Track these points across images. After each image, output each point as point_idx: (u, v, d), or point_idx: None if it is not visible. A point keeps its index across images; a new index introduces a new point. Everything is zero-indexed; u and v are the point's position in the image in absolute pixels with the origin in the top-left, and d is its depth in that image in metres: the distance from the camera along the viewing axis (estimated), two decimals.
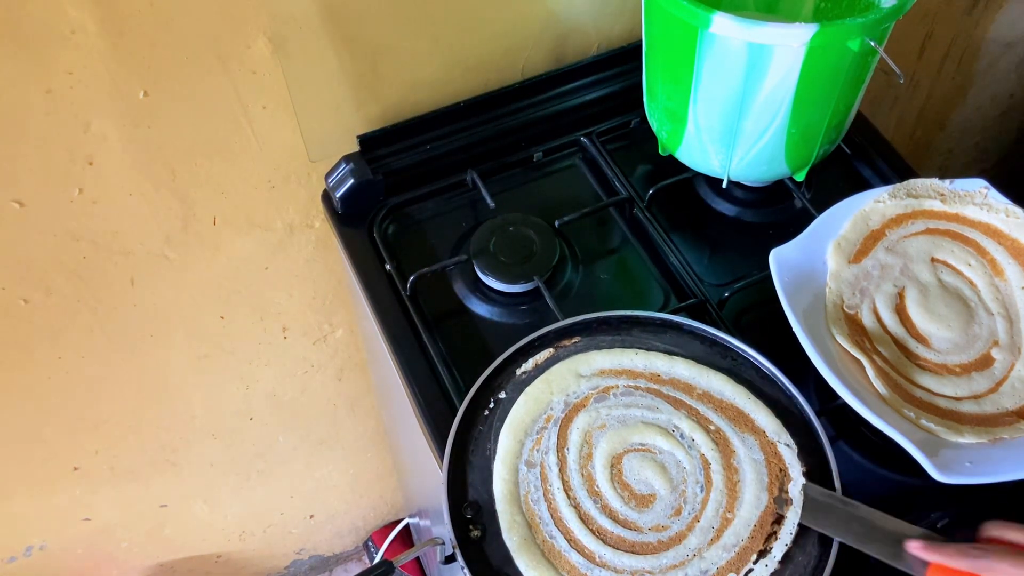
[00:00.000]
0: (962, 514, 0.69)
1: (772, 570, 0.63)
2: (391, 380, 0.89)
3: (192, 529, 1.41)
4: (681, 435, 0.69)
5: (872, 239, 0.81)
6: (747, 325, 0.84)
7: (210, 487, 1.35)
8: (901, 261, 0.79)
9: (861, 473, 0.74)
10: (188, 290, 1.04)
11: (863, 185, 0.94)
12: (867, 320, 0.76)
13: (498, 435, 0.70)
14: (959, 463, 0.67)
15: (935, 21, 1.34)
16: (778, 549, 0.63)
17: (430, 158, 0.94)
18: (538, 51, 0.99)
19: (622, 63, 1.00)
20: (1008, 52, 1.49)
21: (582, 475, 0.68)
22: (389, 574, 0.67)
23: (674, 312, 0.78)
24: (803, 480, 0.66)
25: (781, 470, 0.67)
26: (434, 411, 0.78)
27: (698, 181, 0.95)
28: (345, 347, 1.24)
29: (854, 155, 0.97)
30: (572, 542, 0.65)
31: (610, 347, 0.74)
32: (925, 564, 0.60)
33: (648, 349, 0.74)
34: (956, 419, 0.71)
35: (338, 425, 1.37)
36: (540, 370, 0.73)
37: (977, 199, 0.83)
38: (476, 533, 0.65)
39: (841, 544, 0.63)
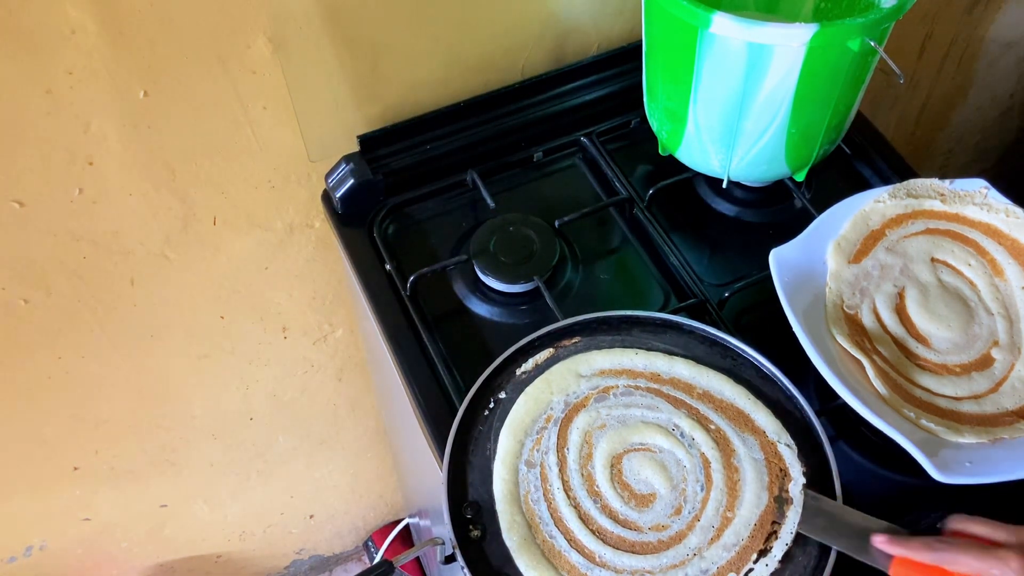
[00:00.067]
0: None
1: (772, 569, 0.63)
2: (391, 380, 0.89)
3: (192, 529, 1.41)
4: (681, 434, 0.69)
5: (872, 239, 0.81)
6: (747, 325, 0.84)
7: (210, 487, 1.35)
8: (901, 261, 0.79)
9: (861, 473, 0.74)
10: (188, 290, 1.04)
11: (863, 185, 0.94)
12: (867, 320, 0.76)
13: (498, 435, 0.70)
14: (959, 463, 0.67)
15: (935, 21, 1.34)
16: (778, 548, 0.63)
17: (430, 158, 0.94)
18: (538, 51, 0.99)
19: (622, 63, 1.00)
20: (1008, 52, 1.50)
21: (582, 475, 0.68)
22: (389, 574, 0.67)
23: (674, 312, 0.78)
24: (803, 480, 0.66)
25: (781, 470, 0.67)
26: (434, 411, 0.78)
27: (698, 181, 0.95)
28: (345, 347, 1.24)
29: (854, 155, 0.97)
30: (572, 542, 0.65)
31: (610, 347, 0.74)
32: (890, 557, 0.61)
33: (648, 349, 0.74)
34: (956, 419, 0.71)
35: (338, 425, 1.37)
36: (540, 370, 0.73)
37: (977, 199, 0.83)
38: (476, 533, 0.65)
39: None
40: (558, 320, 0.77)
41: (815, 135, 0.84)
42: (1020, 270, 0.79)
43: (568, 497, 0.67)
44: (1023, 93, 1.62)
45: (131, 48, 0.80)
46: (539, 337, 0.75)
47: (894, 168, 0.94)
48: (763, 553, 0.63)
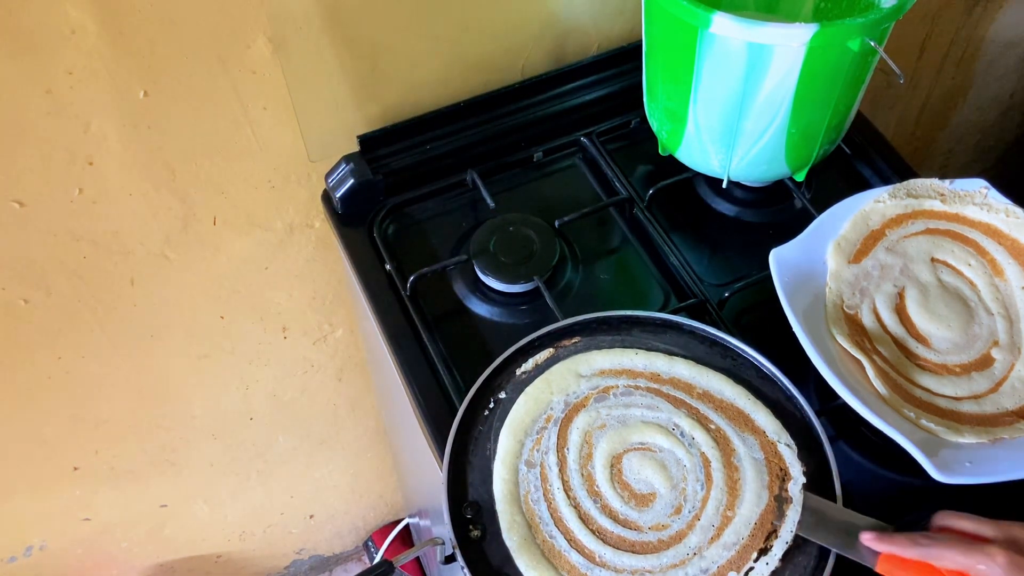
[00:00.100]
0: None
1: (773, 568, 0.63)
2: (391, 380, 0.89)
3: (192, 529, 1.41)
4: (681, 433, 0.69)
5: (872, 239, 0.81)
6: (747, 325, 0.84)
7: (210, 487, 1.35)
8: (901, 261, 0.79)
9: (861, 473, 0.74)
10: (188, 290, 1.04)
11: (863, 185, 0.94)
12: (867, 320, 0.76)
13: (498, 435, 0.70)
14: (959, 463, 0.67)
15: (935, 21, 1.34)
16: (779, 547, 0.63)
17: (430, 158, 0.94)
18: (538, 51, 0.99)
19: (622, 63, 1.00)
20: (1008, 52, 1.50)
21: (582, 475, 0.68)
22: (389, 574, 0.67)
23: (674, 312, 0.78)
24: (803, 479, 0.66)
25: (781, 469, 0.67)
26: (434, 411, 0.78)
27: (698, 181, 0.95)
28: (345, 347, 1.24)
29: (854, 155, 0.97)
30: (572, 542, 0.65)
31: (610, 347, 0.74)
32: (876, 554, 0.61)
33: (648, 349, 0.74)
34: (956, 419, 0.71)
35: (338, 425, 1.37)
36: (540, 370, 0.73)
37: (977, 199, 0.83)
38: (476, 533, 0.65)
39: None
40: (558, 320, 0.77)
41: (815, 135, 0.84)
42: (1020, 270, 0.79)
43: (568, 497, 0.66)
44: (1023, 93, 1.62)
45: (131, 48, 0.80)
46: (539, 337, 0.75)
47: (894, 168, 0.94)
48: (763, 552, 0.63)
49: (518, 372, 0.73)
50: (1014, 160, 1.77)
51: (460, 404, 0.71)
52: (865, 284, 0.78)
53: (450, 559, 0.66)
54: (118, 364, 1.07)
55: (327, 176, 0.93)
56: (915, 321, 0.76)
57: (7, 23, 0.73)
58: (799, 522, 0.64)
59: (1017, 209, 0.81)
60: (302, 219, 1.03)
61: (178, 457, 1.25)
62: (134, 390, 1.12)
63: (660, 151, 0.93)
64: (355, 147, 0.92)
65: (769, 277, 0.76)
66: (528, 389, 0.72)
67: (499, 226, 0.88)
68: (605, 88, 1.00)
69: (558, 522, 0.65)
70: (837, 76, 0.78)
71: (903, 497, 0.72)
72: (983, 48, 1.45)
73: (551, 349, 0.74)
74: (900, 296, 0.78)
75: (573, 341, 0.75)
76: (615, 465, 0.68)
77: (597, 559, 0.64)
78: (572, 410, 0.71)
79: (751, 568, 0.62)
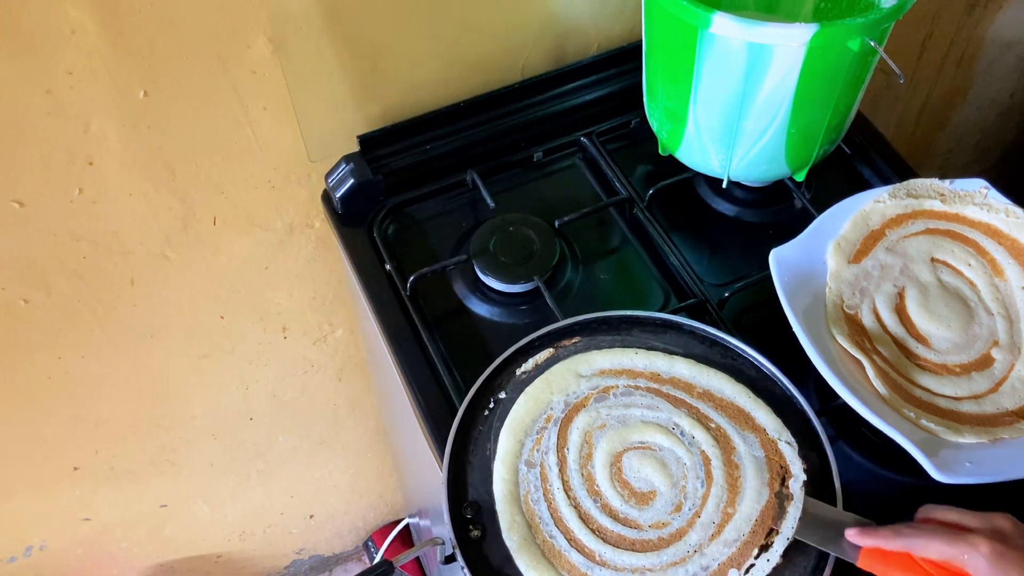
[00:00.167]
0: None
1: (774, 565, 0.62)
2: (391, 380, 0.89)
3: (192, 529, 1.41)
4: (681, 432, 0.69)
5: (872, 239, 0.81)
6: (747, 325, 0.84)
7: (210, 487, 1.35)
8: (901, 261, 0.79)
9: (861, 473, 0.74)
10: (188, 290, 1.04)
11: (863, 185, 0.94)
12: (867, 320, 0.76)
13: (498, 435, 0.70)
14: (959, 463, 0.67)
15: (935, 21, 1.34)
16: (779, 543, 0.63)
17: (430, 158, 0.94)
18: (538, 51, 0.99)
19: (622, 63, 1.00)
20: (1008, 52, 1.50)
21: (582, 475, 0.68)
22: (389, 574, 0.67)
23: (674, 312, 0.78)
24: (804, 476, 0.66)
25: (782, 466, 0.66)
26: (434, 411, 0.78)
27: (698, 181, 0.95)
28: (345, 347, 1.24)
29: (854, 155, 0.97)
30: (572, 541, 0.64)
31: (610, 347, 0.74)
32: (858, 549, 0.61)
33: (648, 349, 0.74)
34: (956, 419, 0.71)
35: (338, 425, 1.37)
36: (540, 370, 0.73)
37: (977, 199, 0.83)
38: (476, 533, 0.65)
39: None
40: (558, 320, 0.77)
41: (815, 135, 0.84)
42: (1020, 270, 0.79)
43: (568, 497, 0.66)
44: (1023, 93, 1.62)
45: (131, 48, 0.80)
46: (539, 337, 0.75)
47: (894, 168, 0.94)
48: (764, 548, 0.63)
49: (518, 372, 0.73)
50: (1014, 160, 1.77)
51: (460, 404, 0.71)
52: (865, 284, 0.78)
53: (450, 559, 0.66)
54: (118, 364, 1.07)
55: (327, 176, 0.93)
56: (915, 321, 0.76)
57: (7, 23, 0.73)
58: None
59: (1017, 209, 0.81)
60: (302, 219, 1.03)
61: (178, 457, 1.25)
62: (134, 390, 1.12)
63: (660, 151, 0.93)
64: (355, 147, 0.92)
65: (769, 277, 0.76)
66: (528, 389, 0.72)
67: (499, 226, 0.88)
68: (605, 88, 1.00)
69: (558, 522, 0.65)
70: (837, 76, 0.78)
71: (903, 497, 0.72)
72: (983, 48, 1.45)
73: (551, 349, 0.74)
74: (900, 296, 0.78)
75: (573, 341, 0.75)
76: (615, 464, 0.68)
77: (597, 558, 0.64)
78: (572, 410, 0.71)
79: (752, 565, 0.62)
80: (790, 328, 0.73)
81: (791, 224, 0.84)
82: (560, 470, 0.68)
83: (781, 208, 0.93)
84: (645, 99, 0.92)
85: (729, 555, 0.63)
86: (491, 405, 0.72)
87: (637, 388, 0.72)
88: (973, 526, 0.58)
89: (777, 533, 0.63)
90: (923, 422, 0.70)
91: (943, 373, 0.74)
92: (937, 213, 0.83)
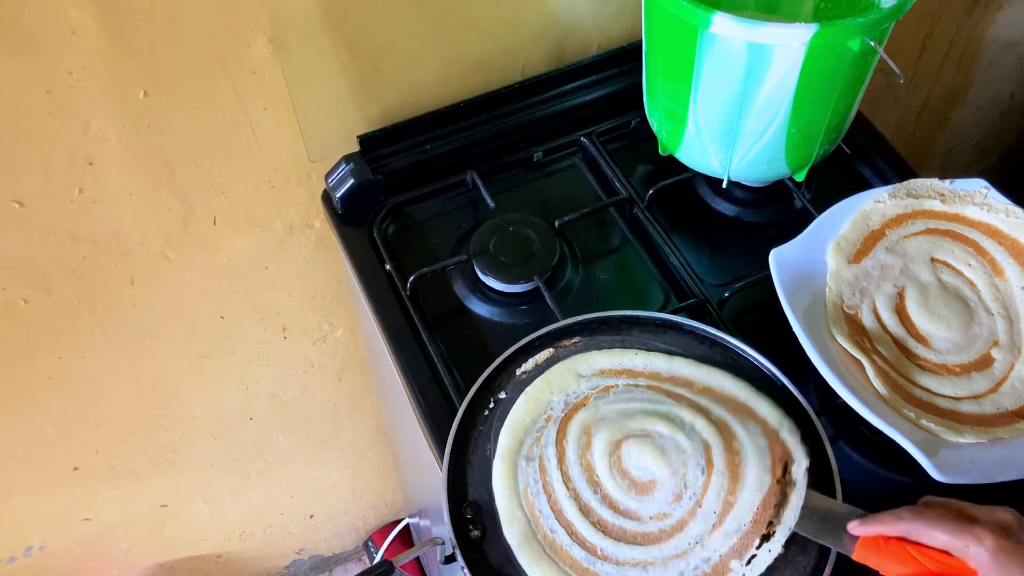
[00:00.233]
0: None
1: (776, 555, 0.62)
2: (391, 380, 0.89)
3: (192, 529, 1.41)
4: (681, 421, 0.68)
5: (872, 239, 0.81)
6: (747, 325, 0.84)
7: (210, 487, 1.35)
8: (901, 261, 0.79)
9: (861, 473, 0.74)
10: (188, 290, 1.04)
11: (863, 185, 0.94)
12: (867, 320, 0.76)
13: (498, 435, 0.70)
14: (959, 463, 0.67)
15: (935, 21, 1.34)
16: (782, 532, 0.62)
17: (430, 158, 0.94)
18: (538, 51, 0.99)
19: (622, 63, 1.00)
20: (1008, 52, 1.50)
21: (581, 465, 0.67)
22: (389, 574, 0.67)
23: (674, 312, 0.78)
24: (806, 461, 0.64)
25: (784, 453, 0.66)
26: (434, 411, 0.78)
27: (698, 181, 0.95)
28: (345, 347, 1.24)
29: (854, 155, 0.97)
30: (573, 535, 0.64)
31: (610, 347, 0.74)
32: (854, 540, 0.60)
33: (648, 349, 0.74)
34: (956, 419, 0.71)
35: (338, 425, 1.37)
36: (540, 370, 0.73)
37: (977, 199, 0.83)
38: (476, 533, 0.65)
39: None
40: (558, 320, 0.77)
41: (815, 135, 0.84)
42: (1020, 270, 0.79)
43: (568, 489, 0.66)
44: (1023, 93, 1.62)
45: (131, 48, 0.80)
46: (539, 337, 0.75)
47: (894, 168, 0.94)
48: (766, 538, 0.62)
49: (518, 372, 0.73)
50: (1014, 160, 1.77)
51: (460, 404, 0.71)
52: (865, 284, 0.78)
53: (450, 559, 0.66)
54: (118, 364, 1.07)
55: (327, 176, 0.93)
56: (915, 321, 0.76)
57: (7, 23, 0.73)
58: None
59: (1017, 209, 0.81)
60: (302, 219, 1.03)
61: (178, 457, 1.25)
62: (134, 390, 1.12)
63: (660, 151, 0.93)
64: (355, 147, 0.92)
65: (769, 277, 0.76)
66: (528, 389, 0.72)
67: (499, 226, 0.88)
68: (605, 88, 1.00)
69: (558, 515, 0.65)
70: (837, 76, 0.78)
71: (903, 497, 0.72)
72: (983, 48, 1.45)
73: (551, 349, 0.74)
74: (900, 296, 0.78)
75: (573, 341, 0.75)
76: (614, 453, 0.67)
77: (599, 553, 0.63)
78: (572, 409, 0.70)
79: (754, 555, 0.62)
80: (790, 328, 0.73)
81: (791, 224, 0.84)
82: (559, 461, 0.67)
83: (781, 208, 0.93)
84: (645, 99, 0.92)
85: (731, 546, 0.62)
86: (491, 405, 0.72)
87: (637, 387, 0.71)
88: (977, 518, 0.57)
89: (779, 522, 0.62)
90: (923, 422, 0.70)
91: (943, 373, 0.74)
92: (937, 213, 0.83)
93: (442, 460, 0.69)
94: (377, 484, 1.56)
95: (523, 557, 0.63)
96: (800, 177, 0.90)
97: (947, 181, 0.84)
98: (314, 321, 1.18)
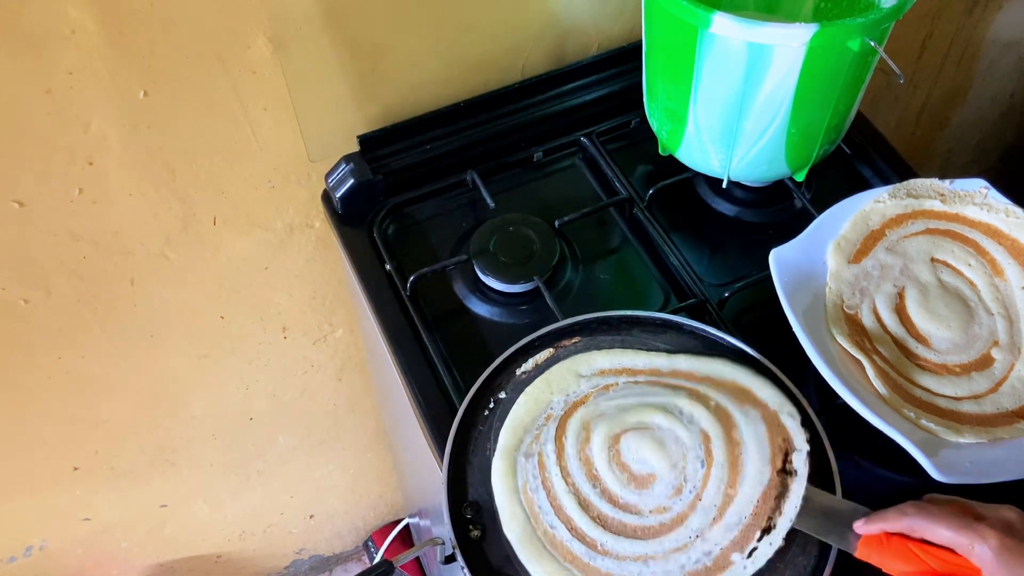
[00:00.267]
0: None
1: (777, 548, 0.61)
2: (391, 380, 0.89)
3: (192, 529, 1.41)
4: (680, 412, 0.67)
5: (872, 239, 0.81)
6: (747, 325, 0.84)
7: (210, 487, 1.35)
8: (901, 261, 0.79)
9: (861, 473, 0.74)
10: (188, 290, 1.04)
11: (863, 185, 0.94)
12: (867, 320, 0.76)
13: (498, 435, 0.70)
14: (959, 463, 0.67)
15: (935, 21, 1.34)
16: (783, 525, 0.62)
17: (430, 158, 0.94)
18: (538, 51, 0.99)
19: (622, 63, 1.00)
20: (1008, 52, 1.50)
21: (580, 459, 0.66)
22: (389, 574, 0.67)
23: (674, 312, 0.78)
24: (807, 448, 0.64)
25: (784, 439, 0.65)
26: (434, 411, 0.78)
27: (698, 181, 0.95)
28: (345, 347, 1.24)
29: (854, 155, 0.97)
30: (573, 531, 0.64)
31: (610, 347, 0.74)
32: (857, 538, 0.60)
33: (648, 349, 0.74)
34: (956, 419, 0.71)
35: (338, 425, 1.37)
36: (540, 370, 0.73)
37: (977, 199, 0.83)
38: (476, 533, 0.65)
39: None
40: (558, 320, 0.77)
41: (815, 135, 0.84)
42: (1020, 270, 0.79)
43: (567, 484, 0.65)
44: (1023, 93, 1.62)
45: (131, 48, 0.80)
46: (539, 337, 0.75)
47: (894, 168, 0.94)
48: (767, 531, 0.62)
49: (518, 372, 0.73)
50: (1014, 160, 1.77)
51: (460, 404, 0.71)
52: (865, 284, 0.78)
53: (450, 559, 0.66)
54: (118, 364, 1.07)
55: (327, 176, 0.93)
56: (915, 321, 0.76)
57: (7, 23, 0.73)
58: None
59: (1017, 209, 0.81)
60: (302, 219, 1.03)
61: (178, 457, 1.25)
62: (134, 390, 1.12)
63: (660, 151, 0.93)
64: (355, 147, 0.92)
65: (769, 277, 0.76)
66: (528, 389, 0.72)
67: (499, 226, 0.88)
68: (605, 88, 1.00)
69: (558, 511, 0.65)
70: (837, 76, 0.78)
71: (903, 497, 0.71)
72: (983, 48, 1.45)
73: (551, 349, 0.74)
74: (900, 296, 0.78)
75: (573, 341, 0.75)
76: (613, 447, 0.67)
77: (599, 547, 0.63)
78: (572, 407, 0.70)
79: (755, 548, 0.61)
80: (790, 328, 0.73)
81: (791, 224, 0.84)
82: (558, 457, 0.67)
83: (781, 208, 0.93)
84: (645, 99, 0.92)
85: (732, 539, 0.62)
86: (491, 405, 0.72)
87: (637, 384, 0.71)
88: (981, 516, 0.57)
89: (780, 514, 0.62)
90: (923, 422, 0.70)
91: (943, 373, 0.74)
92: (937, 213, 0.83)
93: (442, 460, 0.69)
94: (377, 484, 1.56)
95: (523, 553, 0.63)
96: (800, 177, 0.90)
97: (947, 181, 0.84)
98: (314, 321, 1.18)
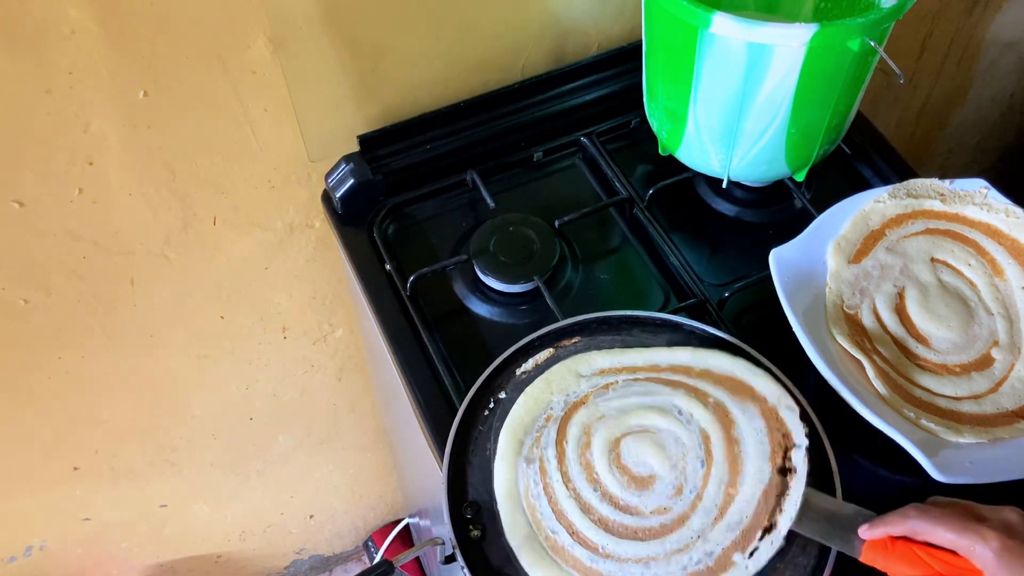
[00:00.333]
0: None
1: (778, 547, 0.61)
2: (391, 380, 0.89)
3: (192, 529, 1.41)
4: (679, 412, 0.68)
5: (872, 239, 0.81)
6: (747, 325, 0.84)
7: (210, 487, 1.35)
8: (901, 261, 0.79)
9: (861, 473, 0.74)
10: (188, 290, 1.04)
11: (863, 185, 0.94)
12: (867, 320, 0.76)
13: (498, 435, 0.70)
14: (959, 463, 0.67)
15: (935, 21, 1.34)
16: (783, 523, 0.62)
17: (430, 158, 0.94)
18: (538, 51, 0.99)
19: (622, 63, 1.00)
20: (1008, 52, 1.50)
21: (580, 464, 0.67)
22: (389, 574, 0.67)
23: (674, 312, 0.78)
24: (806, 442, 0.64)
25: (784, 435, 0.65)
26: (434, 411, 0.78)
27: (698, 181, 0.95)
28: (345, 347, 1.24)
29: (854, 155, 0.97)
30: (575, 535, 0.64)
31: (610, 347, 0.74)
32: (861, 543, 0.60)
33: (648, 349, 0.74)
34: (956, 419, 0.71)
35: (338, 425, 1.37)
36: (540, 370, 0.73)
37: (977, 199, 0.83)
38: (476, 533, 0.65)
39: None
40: (558, 320, 0.77)
41: (815, 135, 0.84)
42: (1020, 270, 0.79)
43: (568, 488, 0.66)
44: (1023, 93, 1.62)
45: (131, 48, 0.80)
46: (539, 337, 0.75)
47: (894, 168, 0.94)
48: (768, 530, 0.62)
49: (518, 372, 0.73)
50: (1014, 160, 1.77)
51: (460, 404, 0.71)
52: (865, 284, 0.78)
53: (450, 559, 0.66)
54: (118, 364, 1.07)
55: (327, 176, 0.93)
56: (915, 321, 0.76)
57: (7, 23, 0.73)
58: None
59: (1017, 209, 0.81)
60: (302, 219, 1.03)
61: (178, 457, 1.25)
62: (134, 390, 1.12)
63: (660, 151, 0.93)
64: (355, 147, 0.92)
65: (769, 277, 0.76)
66: (528, 389, 0.72)
67: (499, 226, 0.88)
68: (605, 88, 1.00)
69: (559, 516, 0.65)
70: (837, 76, 0.78)
71: (904, 497, 0.72)
72: (983, 48, 1.45)
73: (551, 349, 0.74)
74: (900, 296, 0.78)
75: (573, 341, 0.75)
76: (613, 450, 0.67)
77: (601, 551, 0.63)
78: (572, 408, 0.70)
79: (756, 548, 0.61)
80: (790, 328, 0.73)
81: (791, 224, 0.84)
82: (559, 462, 0.67)
83: (781, 208, 0.93)
84: (645, 99, 0.92)
85: (733, 539, 0.62)
86: (491, 405, 0.72)
87: (636, 381, 0.71)
88: (983, 517, 0.57)
89: (781, 512, 0.62)
90: (923, 422, 0.70)
91: (943, 373, 0.74)
92: (937, 213, 0.83)
93: (442, 460, 0.69)
94: (377, 484, 1.56)
95: (525, 559, 0.63)
96: (800, 177, 0.90)
97: (947, 181, 0.84)
98: (314, 321, 1.18)
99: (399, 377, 0.82)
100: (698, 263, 0.88)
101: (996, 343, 0.76)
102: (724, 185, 0.90)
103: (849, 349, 0.73)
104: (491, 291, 0.86)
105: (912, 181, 0.84)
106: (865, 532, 0.60)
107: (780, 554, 0.62)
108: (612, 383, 0.71)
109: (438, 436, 0.75)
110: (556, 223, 0.89)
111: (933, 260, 0.80)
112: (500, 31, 0.95)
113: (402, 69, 0.93)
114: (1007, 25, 1.42)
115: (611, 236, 0.92)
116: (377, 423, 1.41)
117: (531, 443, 0.69)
